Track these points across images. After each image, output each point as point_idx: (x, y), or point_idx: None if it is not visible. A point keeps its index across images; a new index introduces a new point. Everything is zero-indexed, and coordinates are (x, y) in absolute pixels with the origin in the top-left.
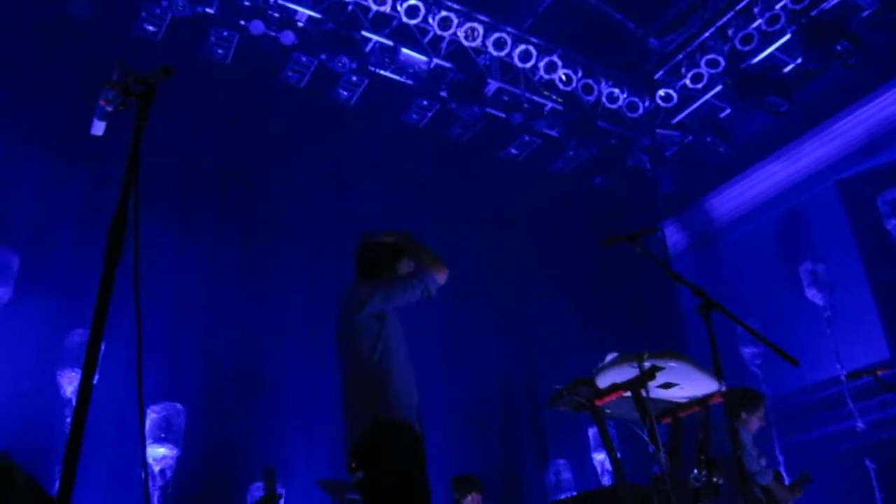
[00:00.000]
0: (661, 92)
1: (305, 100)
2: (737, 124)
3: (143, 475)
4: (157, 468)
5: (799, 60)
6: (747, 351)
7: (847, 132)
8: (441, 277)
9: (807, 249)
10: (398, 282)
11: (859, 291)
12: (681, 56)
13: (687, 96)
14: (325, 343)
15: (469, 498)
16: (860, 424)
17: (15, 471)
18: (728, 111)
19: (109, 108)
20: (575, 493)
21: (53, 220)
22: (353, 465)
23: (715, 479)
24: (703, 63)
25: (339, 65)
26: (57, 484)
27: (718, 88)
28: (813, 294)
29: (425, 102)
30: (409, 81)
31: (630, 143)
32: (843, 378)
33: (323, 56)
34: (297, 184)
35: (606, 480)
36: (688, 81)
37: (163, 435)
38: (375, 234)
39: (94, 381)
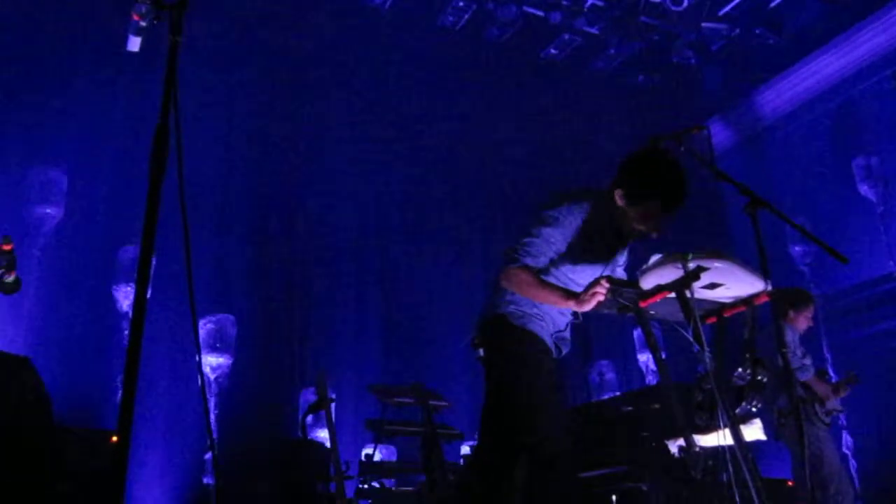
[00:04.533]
0: None
1: (338, 5)
2: (788, 14)
3: (199, 382)
4: (211, 377)
5: None
6: (796, 249)
7: None
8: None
9: (860, 144)
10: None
11: None
12: None
13: None
14: (373, 249)
15: None
16: None
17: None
18: (779, 0)
19: (143, 23)
20: (619, 393)
21: (98, 138)
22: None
23: (759, 377)
24: None
25: None
26: (119, 394)
27: None
28: (865, 189)
29: (461, 3)
30: None
31: (674, 39)
32: (895, 275)
33: None
34: (338, 87)
35: (650, 381)
36: None
37: (217, 345)
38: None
39: (148, 295)
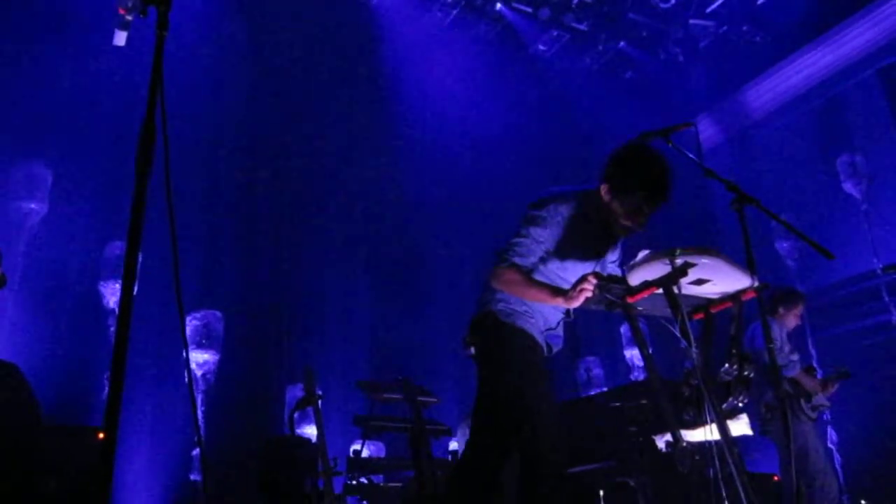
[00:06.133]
0: None
1: (328, 4)
2: (774, 11)
3: (186, 378)
4: (198, 373)
5: None
6: (783, 245)
7: (891, 16)
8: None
9: (845, 141)
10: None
11: None
12: None
13: None
14: (362, 246)
15: None
16: (895, 317)
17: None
18: None
19: (129, 17)
20: (606, 389)
21: (83, 132)
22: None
23: (746, 373)
24: None
25: None
26: (106, 390)
27: None
28: (850, 187)
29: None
30: None
31: (662, 36)
32: (878, 271)
33: None
34: (332, 83)
35: (637, 376)
36: None
37: (203, 341)
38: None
39: (135, 292)
